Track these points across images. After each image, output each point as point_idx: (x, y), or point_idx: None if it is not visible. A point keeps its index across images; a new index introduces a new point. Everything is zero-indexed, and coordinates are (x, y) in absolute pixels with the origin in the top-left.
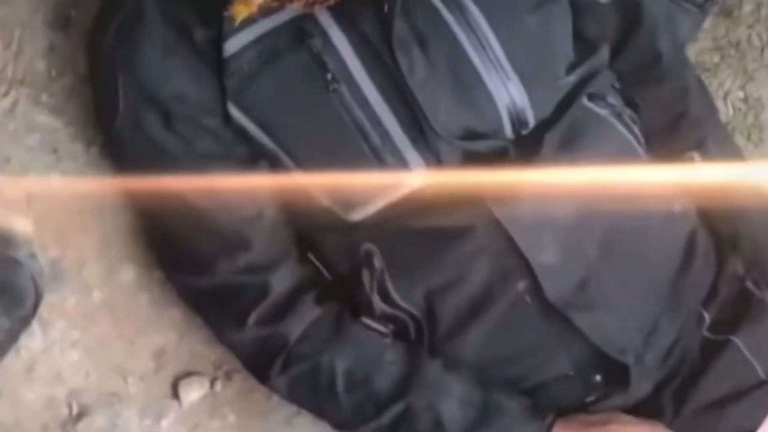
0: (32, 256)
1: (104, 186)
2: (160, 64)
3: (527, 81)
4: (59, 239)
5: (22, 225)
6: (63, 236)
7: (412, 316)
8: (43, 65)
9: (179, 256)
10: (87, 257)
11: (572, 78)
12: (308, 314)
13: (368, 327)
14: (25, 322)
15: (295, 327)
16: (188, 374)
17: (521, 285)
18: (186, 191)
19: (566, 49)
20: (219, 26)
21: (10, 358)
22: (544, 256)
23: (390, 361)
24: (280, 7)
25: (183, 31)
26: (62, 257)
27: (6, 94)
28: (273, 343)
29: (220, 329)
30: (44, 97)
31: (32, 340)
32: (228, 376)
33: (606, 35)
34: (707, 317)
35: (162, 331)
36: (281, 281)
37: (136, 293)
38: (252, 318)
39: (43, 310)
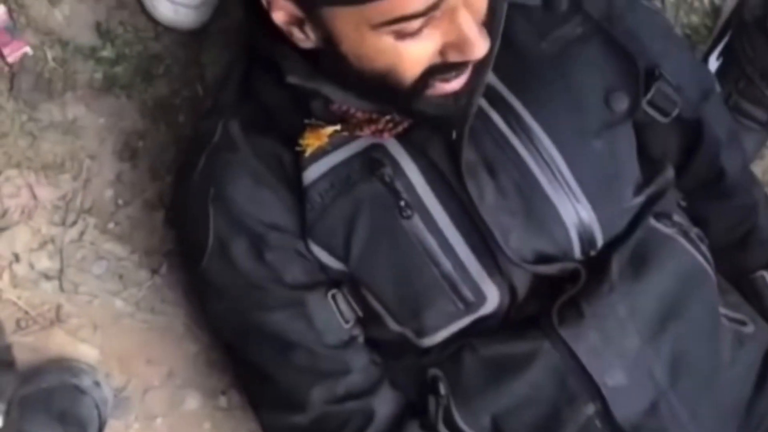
0: (97, 383)
1: (168, 315)
2: (252, 193)
3: (595, 203)
4: (124, 367)
5: (87, 353)
6: (127, 364)
7: None
8: (111, 194)
9: (272, 392)
10: (151, 385)
11: (640, 199)
12: None
13: None
14: None
15: None
16: None
17: (590, 408)
18: (276, 323)
19: (633, 171)
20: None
21: None
22: (612, 379)
23: None
24: (350, 138)
25: (271, 159)
26: (126, 385)
27: (75, 223)
28: None
29: None
30: (111, 226)
31: None
32: None
33: (669, 154)
34: None
35: None
36: (384, 405)
37: (199, 421)
38: None
39: None
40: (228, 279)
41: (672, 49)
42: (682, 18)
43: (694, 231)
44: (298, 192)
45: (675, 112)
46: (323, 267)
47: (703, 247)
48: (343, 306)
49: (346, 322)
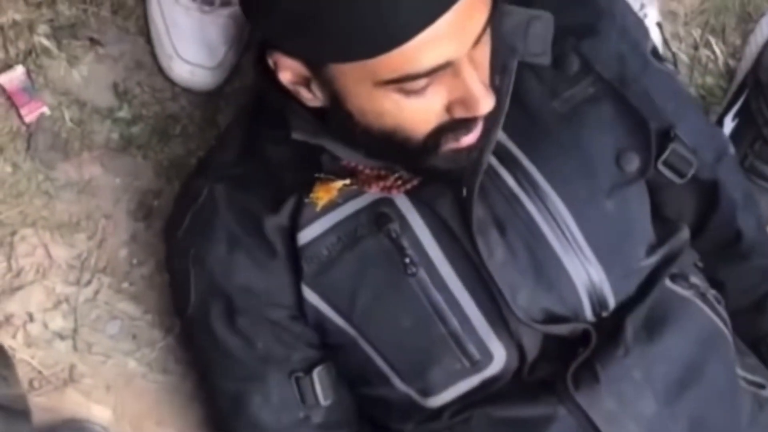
0: None
1: (179, 375)
2: (227, 257)
3: (606, 263)
4: (136, 428)
5: (100, 414)
6: (139, 426)
7: None
8: (125, 254)
9: None
10: None
11: (653, 259)
12: None
13: None
14: None
15: None
16: None
17: None
18: (240, 393)
19: (645, 231)
20: (291, 214)
21: None
22: None
23: None
24: (359, 193)
25: (251, 222)
26: None
27: (89, 283)
28: None
29: None
30: (125, 285)
31: None
32: None
33: (685, 215)
34: None
35: None
36: None
37: None
38: None
39: None
40: (204, 339)
41: (686, 111)
42: (696, 79)
43: (711, 293)
44: (285, 252)
45: (691, 173)
46: (319, 323)
47: (721, 309)
48: (306, 389)
49: (303, 403)
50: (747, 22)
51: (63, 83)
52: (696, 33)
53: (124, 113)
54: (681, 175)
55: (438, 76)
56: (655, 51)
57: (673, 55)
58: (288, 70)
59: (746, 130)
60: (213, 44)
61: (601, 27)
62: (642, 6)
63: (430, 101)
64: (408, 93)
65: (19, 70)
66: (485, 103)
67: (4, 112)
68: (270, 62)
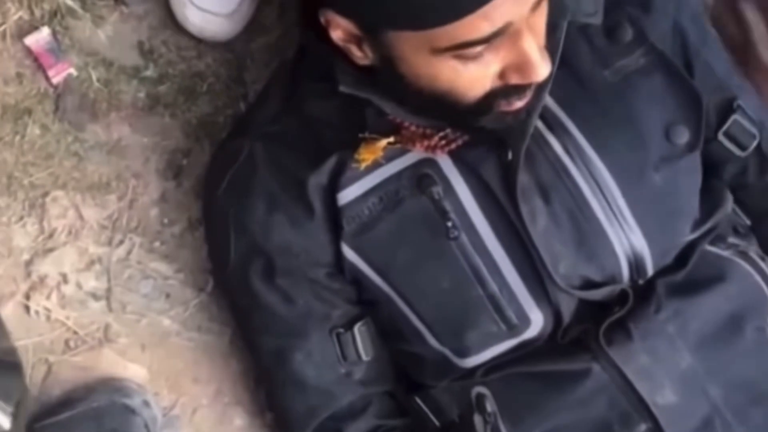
0: (146, 403)
1: (214, 333)
2: (265, 219)
3: (649, 234)
4: (172, 386)
5: (136, 372)
6: (176, 383)
7: None
8: (156, 213)
9: (276, 411)
10: (199, 404)
11: (696, 234)
12: None
13: None
14: None
15: None
16: None
17: (642, 427)
18: (282, 349)
19: (693, 206)
20: (332, 173)
21: None
22: (663, 398)
23: None
24: (402, 152)
25: (291, 181)
26: (175, 404)
27: (121, 243)
28: None
29: None
30: (157, 245)
31: None
32: None
33: (747, 187)
34: None
35: None
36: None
37: None
38: None
39: None
40: (244, 296)
41: (745, 83)
42: None
43: (753, 249)
44: (325, 211)
45: (753, 145)
46: (357, 280)
47: (764, 266)
48: (347, 345)
49: (345, 359)
50: None
51: (89, 44)
52: None
53: (150, 72)
54: (743, 147)
55: (496, 42)
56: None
57: None
58: (339, 28)
59: None
60: None
61: None
62: None
63: (487, 66)
64: (465, 59)
65: (44, 32)
66: (542, 69)
67: (31, 74)
68: (322, 19)
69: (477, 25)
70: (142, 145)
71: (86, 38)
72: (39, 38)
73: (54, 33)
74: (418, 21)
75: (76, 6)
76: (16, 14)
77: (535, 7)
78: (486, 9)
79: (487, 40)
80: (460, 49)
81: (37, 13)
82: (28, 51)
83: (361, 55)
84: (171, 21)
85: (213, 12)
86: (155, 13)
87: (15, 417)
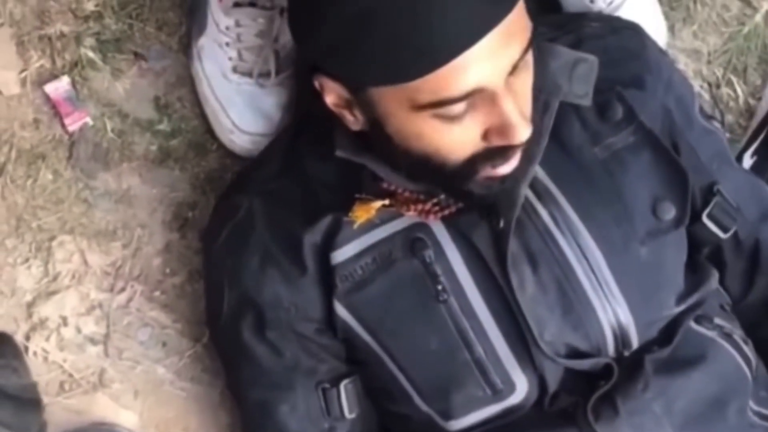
0: None
1: (205, 384)
2: (259, 271)
3: (635, 308)
4: None
5: (128, 419)
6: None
7: None
8: (159, 263)
9: None
10: None
11: (681, 308)
12: None
13: None
14: None
15: None
16: None
17: None
18: (267, 401)
19: (677, 280)
20: (326, 233)
21: None
22: None
23: None
24: (396, 215)
25: (287, 239)
26: None
27: (123, 290)
28: None
29: None
30: (157, 294)
31: None
32: None
33: (730, 271)
34: None
35: None
36: None
37: None
38: None
39: None
40: (234, 349)
41: (728, 169)
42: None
43: (737, 333)
44: (319, 269)
45: (734, 228)
46: (347, 338)
47: (747, 349)
48: (332, 401)
49: (329, 415)
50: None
51: (106, 95)
52: (719, 72)
53: (163, 126)
54: (725, 229)
55: (476, 103)
56: (701, 109)
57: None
58: (332, 93)
59: (765, 166)
60: (270, 113)
61: (648, 80)
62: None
63: (468, 128)
64: (445, 119)
65: (64, 81)
66: (521, 131)
67: (48, 120)
68: (316, 84)
69: (454, 79)
70: (150, 196)
71: (104, 90)
72: (58, 86)
73: (73, 82)
74: (394, 74)
75: (96, 58)
76: (38, 62)
77: (514, 69)
78: (460, 62)
79: (464, 98)
80: (439, 107)
81: (59, 62)
82: (47, 98)
83: (353, 120)
84: (188, 79)
85: (261, 134)
86: (173, 70)
87: None
